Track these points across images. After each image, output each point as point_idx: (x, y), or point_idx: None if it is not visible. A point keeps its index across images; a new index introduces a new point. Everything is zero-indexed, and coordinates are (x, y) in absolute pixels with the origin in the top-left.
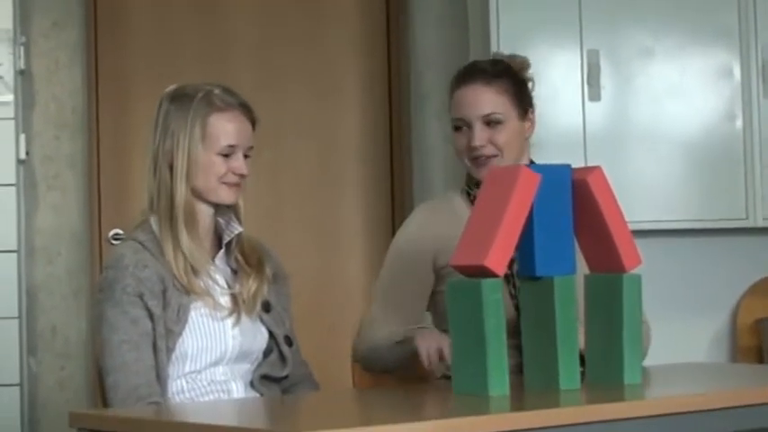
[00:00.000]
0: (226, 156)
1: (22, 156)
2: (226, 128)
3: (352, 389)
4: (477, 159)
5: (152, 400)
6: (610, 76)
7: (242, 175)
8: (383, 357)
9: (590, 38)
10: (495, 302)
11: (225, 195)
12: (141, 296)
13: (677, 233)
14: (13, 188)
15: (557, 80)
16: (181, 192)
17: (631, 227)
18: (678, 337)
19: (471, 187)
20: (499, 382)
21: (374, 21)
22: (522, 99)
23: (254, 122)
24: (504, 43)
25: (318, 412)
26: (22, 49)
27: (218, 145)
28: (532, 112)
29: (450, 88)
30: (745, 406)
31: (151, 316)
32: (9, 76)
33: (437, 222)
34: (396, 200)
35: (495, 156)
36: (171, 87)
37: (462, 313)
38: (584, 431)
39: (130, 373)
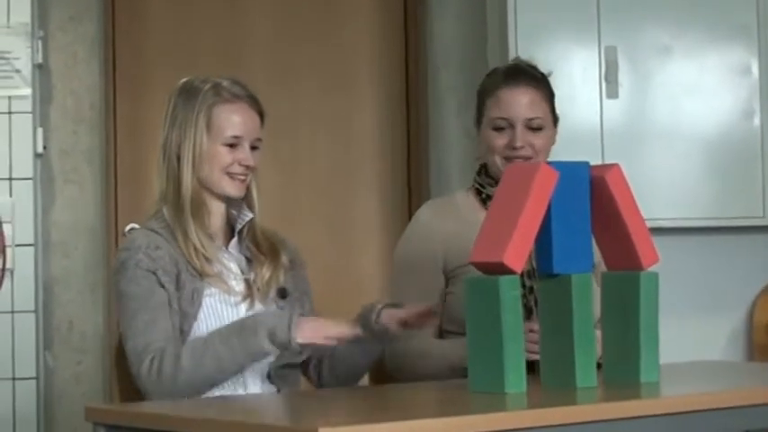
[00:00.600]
0: (231, 147)
1: (40, 150)
2: (231, 119)
3: (367, 386)
4: (515, 159)
5: (159, 347)
6: (627, 74)
7: (247, 167)
8: (417, 368)
9: (608, 35)
10: (513, 299)
11: (229, 187)
12: (155, 272)
13: (694, 231)
14: (31, 182)
15: (575, 77)
16: (187, 182)
17: (649, 224)
18: (695, 334)
19: (484, 186)
20: (516, 380)
21: (391, 15)
22: (554, 108)
23: (261, 115)
24: (521, 40)
25: (334, 409)
26: (39, 42)
27: (222, 136)
28: (558, 123)
29: (487, 86)
30: (760, 405)
31: (165, 290)
32: (27, 70)
33: (443, 222)
34: (412, 195)
35: (530, 158)
36: (181, 80)
37: (480, 310)
38: (600, 429)
39: (147, 333)
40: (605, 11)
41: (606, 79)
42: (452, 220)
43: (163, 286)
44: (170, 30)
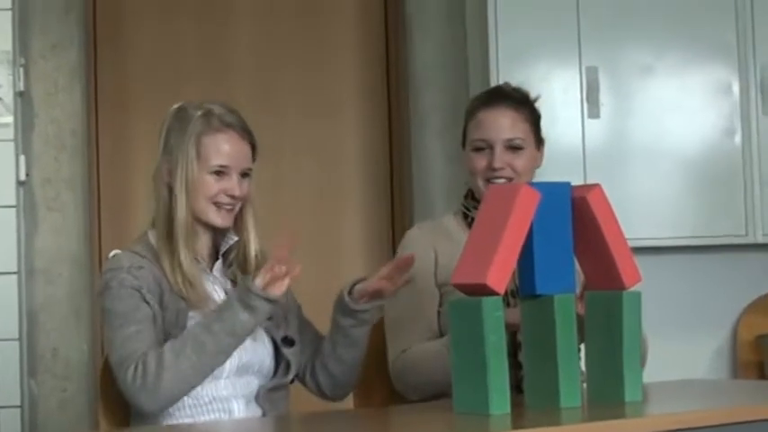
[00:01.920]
0: (218, 175)
1: (22, 177)
2: (219, 148)
3: (351, 409)
4: (495, 180)
5: (151, 354)
6: (609, 94)
7: (233, 197)
8: (422, 372)
9: (589, 55)
10: (497, 320)
11: (215, 217)
12: (139, 289)
13: (677, 250)
14: (14, 210)
15: (556, 97)
16: (181, 209)
17: (631, 243)
18: (679, 353)
19: (470, 209)
20: (500, 401)
21: (373, 40)
22: (539, 130)
23: (253, 144)
24: (503, 62)
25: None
26: (21, 70)
27: (209, 164)
28: (543, 146)
29: (470, 108)
30: (745, 422)
31: (150, 307)
32: (9, 98)
33: (434, 242)
34: (396, 217)
35: (510, 179)
36: (175, 105)
37: (463, 331)
38: None
39: (131, 342)
40: (586, 32)
41: (587, 99)
42: (442, 240)
43: (147, 303)
44: (152, 57)
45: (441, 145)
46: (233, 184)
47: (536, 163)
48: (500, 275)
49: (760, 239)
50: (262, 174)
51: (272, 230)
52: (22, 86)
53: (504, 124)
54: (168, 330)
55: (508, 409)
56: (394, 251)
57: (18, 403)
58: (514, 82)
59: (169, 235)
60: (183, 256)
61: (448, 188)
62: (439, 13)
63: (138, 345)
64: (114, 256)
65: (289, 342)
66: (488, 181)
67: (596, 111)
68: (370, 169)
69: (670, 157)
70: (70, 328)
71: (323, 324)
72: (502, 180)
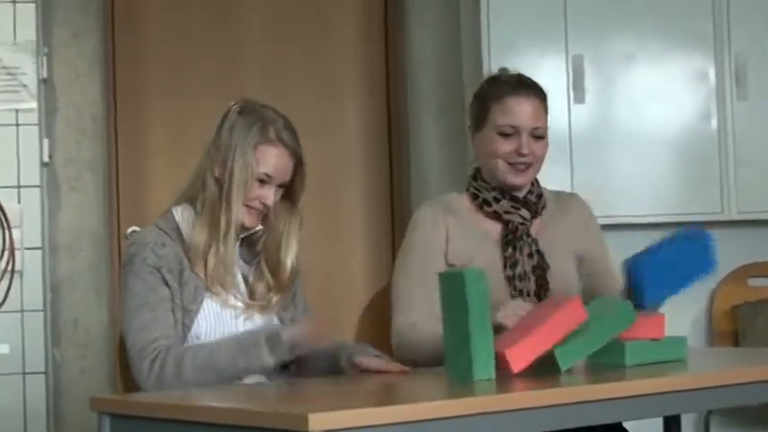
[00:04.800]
0: (261, 183)
1: (46, 159)
2: (269, 160)
3: (352, 376)
4: (518, 165)
5: (163, 346)
6: (594, 80)
7: (265, 205)
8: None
9: (575, 44)
10: (480, 291)
11: (245, 218)
12: (159, 269)
13: (658, 226)
14: (38, 189)
15: (543, 84)
16: (237, 209)
17: (614, 221)
18: None
19: (480, 190)
20: (484, 367)
21: (373, 29)
22: (547, 119)
23: (299, 162)
24: (494, 49)
25: (321, 396)
26: (44, 58)
27: (257, 171)
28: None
29: (494, 92)
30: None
31: (168, 286)
32: (33, 85)
33: (445, 217)
34: (394, 199)
35: (530, 165)
36: (241, 101)
37: (452, 302)
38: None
39: (148, 330)
40: (572, 22)
41: (574, 86)
42: (451, 216)
43: (166, 283)
44: (167, 46)
45: (436, 127)
46: (270, 193)
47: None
48: (522, 355)
49: (735, 216)
50: None
51: None
52: (45, 74)
53: (532, 112)
54: (187, 306)
55: (492, 375)
56: (393, 230)
57: (43, 370)
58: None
59: (213, 224)
60: (227, 250)
61: (442, 168)
62: (435, 2)
63: (154, 334)
64: (139, 231)
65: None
66: (511, 165)
67: (582, 96)
68: (369, 152)
69: (650, 140)
70: (90, 300)
71: (324, 300)
72: (523, 165)
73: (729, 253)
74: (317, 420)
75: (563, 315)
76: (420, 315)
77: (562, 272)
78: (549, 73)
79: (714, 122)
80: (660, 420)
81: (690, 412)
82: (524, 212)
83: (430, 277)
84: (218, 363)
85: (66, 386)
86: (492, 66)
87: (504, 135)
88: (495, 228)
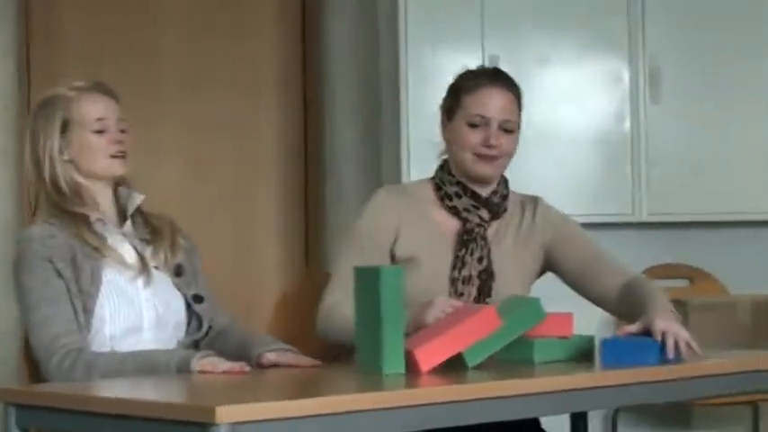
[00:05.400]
0: (100, 132)
1: None
2: (90, 107)
3: (263, 369)
4: (486, 157)
5: (73, 347)
6: None
7: (120, 142)
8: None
9: (491, 44)
10: (394, 288)
11: (114, 168)
12: (50, 259)
13: None
14: None
15: None
16: (64, 175)
17: None
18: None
19: (445, 183)
20: (394, 361)
21: (291, 27)
22: (521, 115)
23: (116, 98)
24: (411, 47)
25: (229, 389)
26: None
27: (90, 123)
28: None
29: (467, 83)
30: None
31: (62, 277)
32: None
33: (399, 205)
34: (309, 190)
35: (497, 158)
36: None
37: (365, 296)
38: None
39: (49, 326)
40: (489, 22)
41: None
42: (408, 206)
43: (59, 273)
44: (83, 34)
45: (352, 124)
46: (114, 133)
47: (516, 147)
48: (432, 355)
49: (645, 218)
50: (183, 150)
51: (195, 200)
52: None
53: (503, 105)
54: (86, 290)
55: (402, 369)
56: (306, 223)
57: None
58: (422, 67)
59: (63, 197)
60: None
61: (358, 165)
62: None
63: (57, 329)
64: (25, 228)
65: (198, 299)
66: (478, 156)
67: None
68: (285, 147)
69: (564, 141)
70: (1, 292)
71: (239, 289)
72: (491, 157)
73: (640, 254)
74: (224, 413)
75: (478, 320)
76: (345, 296)
77: (508, 281)
78: None
79: (627, 124)
80: (567, 417)
81: (597, 409)
82: (483, 213)
83: (361, 257)
84: (125, 372)
85: None
86: (408, 63)
87: (474, 126)
88: (451, 224)
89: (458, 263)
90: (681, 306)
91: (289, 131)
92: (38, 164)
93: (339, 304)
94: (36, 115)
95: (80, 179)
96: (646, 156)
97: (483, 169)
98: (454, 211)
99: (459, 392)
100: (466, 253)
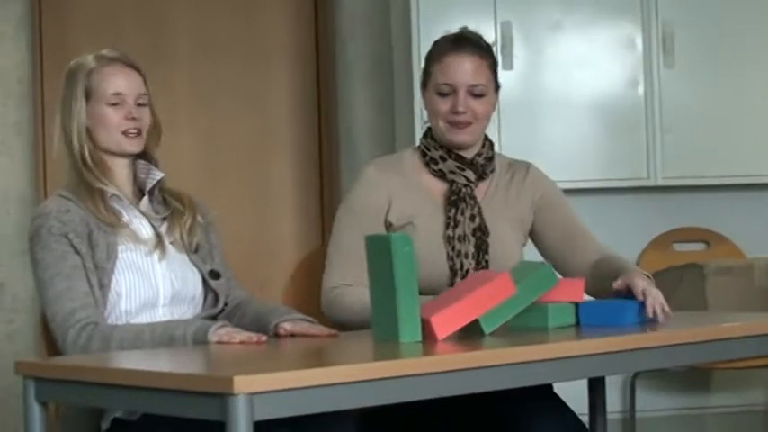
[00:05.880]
0: (115, 105)
1: None
2: (109, 80)
3: (280, 339)
4: (457, 124)
5: (89, 320)
6: (522, 47)
7: (134, 119)
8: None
9: (503, 10)
10: (406, 255)
11: (126, 145)
12: (66, 235)
13: (585, 192)
14: None
15: None
16: (82, 145)
17: None
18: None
19: (429, 148)
20: (411, 329)
21: None
22: (497, 77)
23: (141, 72)
24: (423, 15)
25: (247, 359)
26: None
27: (105, 97)
28: (499, 90)
29: (435, 51)
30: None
31: (78, 252)
32: None
33: (389, 177)
34: (323, 162)
35: (470, 123)
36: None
37: (378, 265)
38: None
39: (66, 300)
40: None
41: (502, 52)
42: (397, 176)
43: (75, 249)
44: (96, 7)
45: (365, 92)
46: (130, 109)
47: (494, 108)
48: (447, 322)
49: (660, 182)
50: (199, 120)
51: (208, 173)
52: None
53: (468, 70)
54: (102, 265)
55: (419, 337)
56: (322, 197)
57: None
58: (435, 36)
59: (82, 168)
60: (97, 182)
61: (372, 133)
62: None
63: (74, 304)
64: (41, 204)
65: (215, 275)
66: (450, 123)
67: (510, 63)
68: (299, 116)
69: (578, 106)
70: (17, 264)
71: (254, 263)
72: (462, 124)
73: (655, 218)
74: (242, 383)
75: (492, 287)
76: (348, 279)
77: (503, 238)
78: None
79: (641, 90)
80: (585, 382)
81: (614, 374)
82: (469, 174)
83: (362, 242)
84: (142, 343)
85: None
86: (421, 32)
87: (443, 95)
88: (439, 187)
89: (450, 222)
90: (697, 269)
91: (302, 104)
92: (66, 131)
93: (341, 290)
94: (64, 84)
95: (98, 152)
96: (660, 120)
97: (457, 137)
98: (440, 174)
99: (476, 359)
100: (457, 212)
